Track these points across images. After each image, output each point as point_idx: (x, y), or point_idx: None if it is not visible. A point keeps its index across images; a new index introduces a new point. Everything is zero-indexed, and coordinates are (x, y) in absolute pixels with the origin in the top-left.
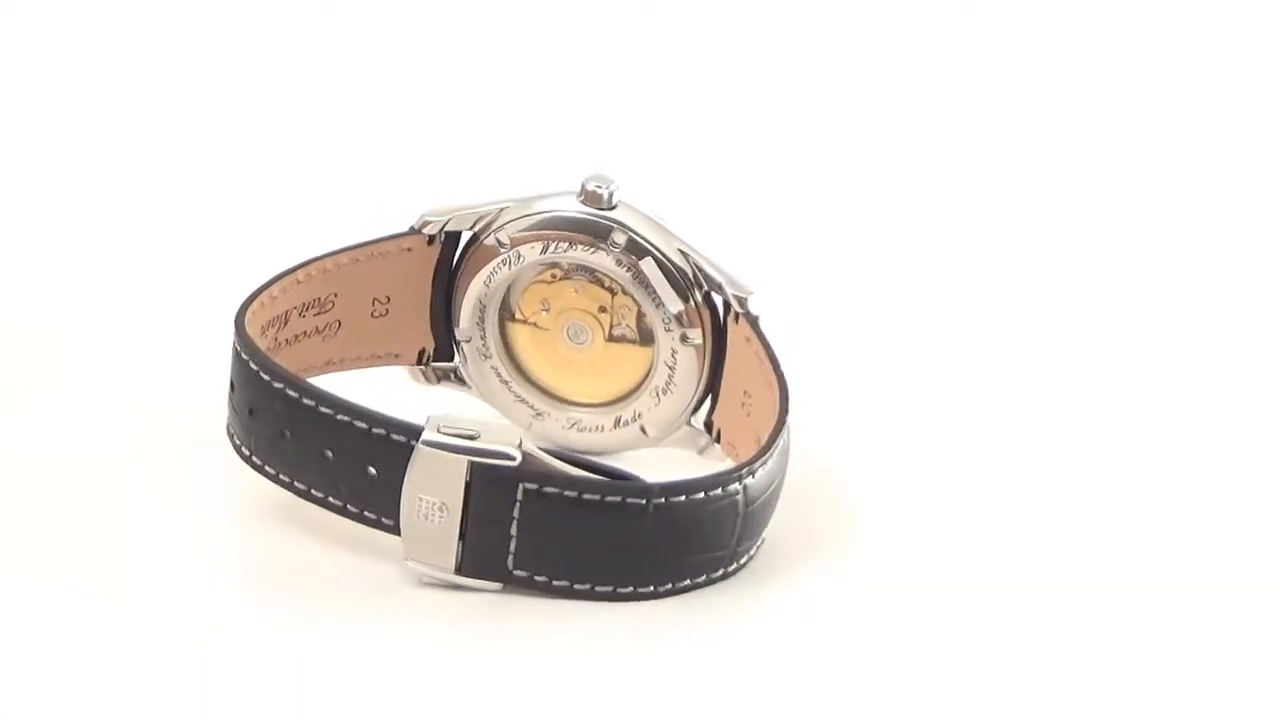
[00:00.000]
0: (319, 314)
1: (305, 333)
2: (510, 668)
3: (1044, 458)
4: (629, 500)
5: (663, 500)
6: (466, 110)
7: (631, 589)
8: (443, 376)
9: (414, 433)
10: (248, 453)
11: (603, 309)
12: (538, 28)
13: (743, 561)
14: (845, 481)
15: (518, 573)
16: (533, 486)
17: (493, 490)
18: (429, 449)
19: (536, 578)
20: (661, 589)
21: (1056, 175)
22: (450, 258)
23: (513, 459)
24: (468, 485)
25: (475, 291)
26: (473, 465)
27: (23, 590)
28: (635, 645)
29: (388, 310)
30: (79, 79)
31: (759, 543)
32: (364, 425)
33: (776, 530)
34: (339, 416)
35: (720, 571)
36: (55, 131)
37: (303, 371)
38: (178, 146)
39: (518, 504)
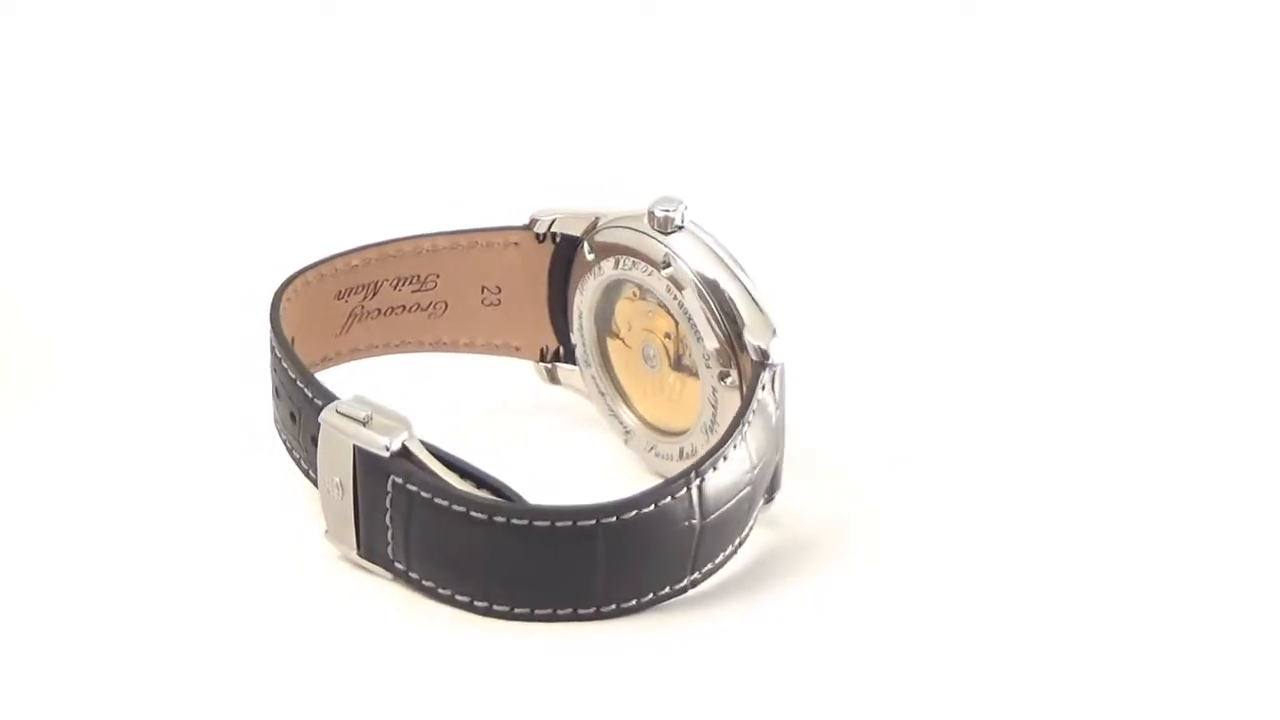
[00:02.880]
0: (418, 290)
1: (405, 306)
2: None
3: (1043, 459)
4: (472, 513)
5: (504, 520)
6: (574, 113)
7: (487, 605)
8: (566, 378)
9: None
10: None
11: (668, 335)
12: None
13: (624, 605)
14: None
15: (397, 565)
16: (399, 481)
17: (370, 477)
18: (326, 426)
19: (410, 574)
20: (518, 611)
21: (1055, 176)
22: (566, 259)
23: (385, 450)
24: (354, 468)
25: (574, 298)
26: (355, 449)
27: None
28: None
29: (499, 301)
30: (106, 77)
31: (648, 599)
32: (309, 393)
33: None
34: (298, 382)
35: (594, 609)
36: (74, 134)
37: (405, 345)
38: (190, 148)
39: (388, 495)
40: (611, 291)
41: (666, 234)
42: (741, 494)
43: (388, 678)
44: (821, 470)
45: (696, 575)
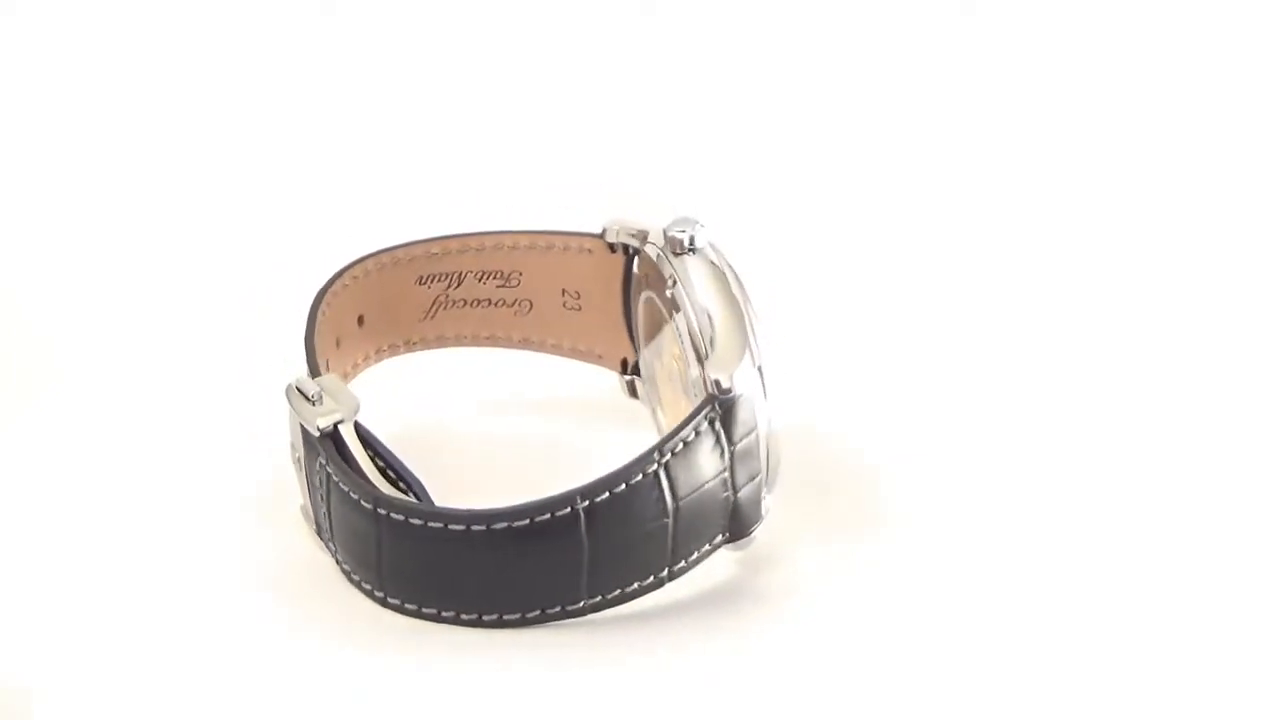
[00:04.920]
0: (503, 286)
1: (490, 300)
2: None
3: (1046, 478)
4: (362, 503)
5: (385, 514)
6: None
7: (383, 596)
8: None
9: None
10: None
11: (680, 358)
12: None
13: (508, 617)
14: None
15: (330, 546)
16: (323, 461)
17: (309, 455)
18: (288, 400)
19: (336, 556)
20: (408, 606)
21: (1056, 176)
22: (630, 271)
23: (317, 430)
24: (303, 444)
25: (632, 314)
26: (300, 426)
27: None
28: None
29: (580, 306)
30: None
31: (535, 615)
32: (309, 370)
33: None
34: (306, 355)
35: (476, 615)
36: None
37: (494, 339)
38: (187, 147)
39: (318, 474)
40: (650, 309)
41: (676, 255)
42: (650, 528)
43: (270, 667)
44: (817, 483)
45: (598, 599)
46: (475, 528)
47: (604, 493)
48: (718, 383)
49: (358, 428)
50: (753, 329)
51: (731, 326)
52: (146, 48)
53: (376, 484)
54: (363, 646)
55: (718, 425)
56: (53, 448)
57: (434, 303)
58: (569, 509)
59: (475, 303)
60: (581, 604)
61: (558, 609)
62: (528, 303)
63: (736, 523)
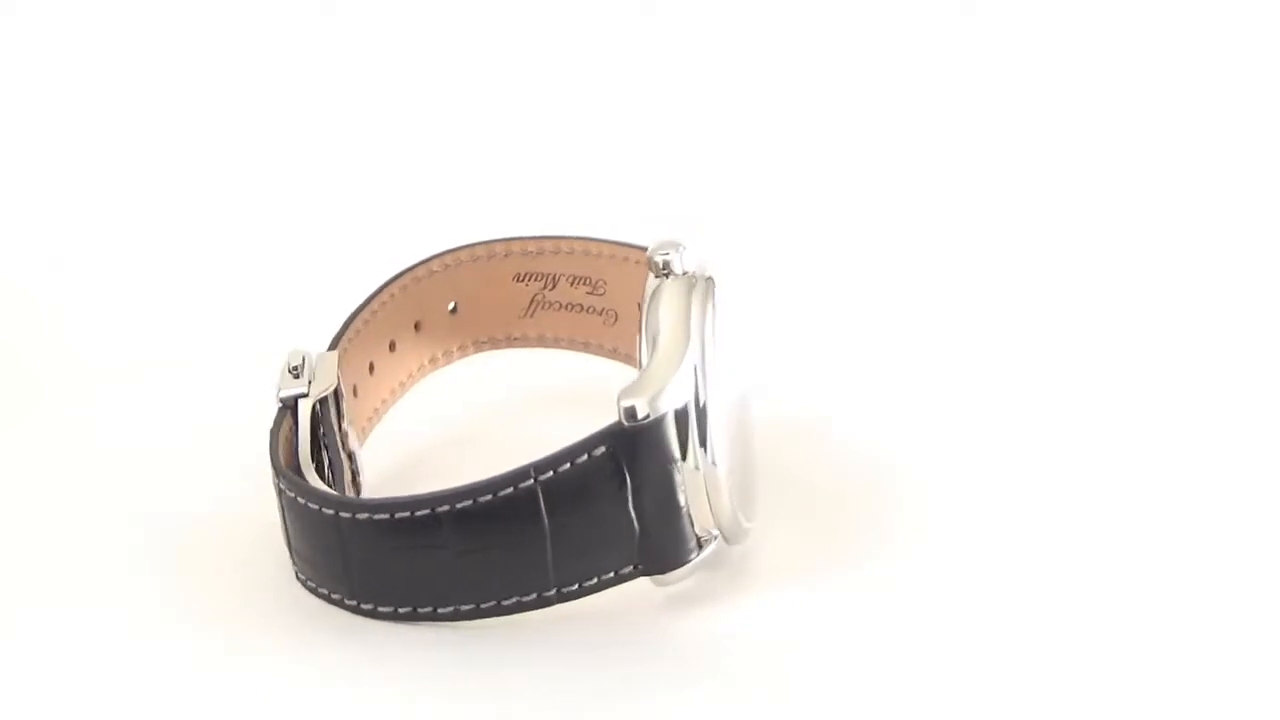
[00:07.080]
0: (591, 294)
1: (582, 306)
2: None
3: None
4: (280, 487)
5: (285, 489)
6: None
7: (296, 569)
8: None
9: None
10: None
11: None
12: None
13: (381, 609)
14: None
15: None
16: (273, 430)
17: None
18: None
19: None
20: (310, 583)
21: (1059, 178)
22: None
23: (280, 401)
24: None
25: None
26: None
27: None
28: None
29: None
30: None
31: (407, 612)
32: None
33: None
34: (340, 328)
35: (355, 603)
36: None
37: (589, 346)
38: (193, 149)
39: None
40: None
41: (655, 277)
42: (519, 544)
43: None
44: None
45: (471, 607)
46: (343, 514)
47: (468, 500)
48: (630, 410)
49: (319, 407)
50: (700, 364)
51: (666, 356)
52: (173, 48)
53: (303, 462)
54: (251, 615)
55: (619, 453)
56: (53, 448)
57: (532, 301)
58: (429, 511)
59: (570, 306)
60: (452, 609)
61: (429, 609)
62: (613, 313)
63: (650, 556)
